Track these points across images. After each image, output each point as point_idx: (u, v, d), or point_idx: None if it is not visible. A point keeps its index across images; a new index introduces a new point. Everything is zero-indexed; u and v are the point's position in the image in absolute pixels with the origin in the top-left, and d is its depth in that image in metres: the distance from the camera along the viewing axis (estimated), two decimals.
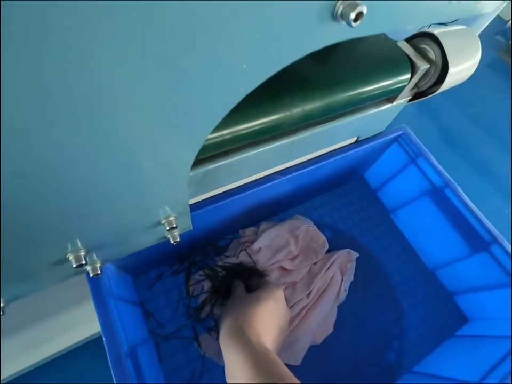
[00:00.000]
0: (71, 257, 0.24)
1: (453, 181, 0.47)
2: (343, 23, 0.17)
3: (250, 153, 0.33)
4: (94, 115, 0.14)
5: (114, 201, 0.22)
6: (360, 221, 0.59)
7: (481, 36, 1.80)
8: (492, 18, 2.17)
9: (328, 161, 0.44)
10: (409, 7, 0.19)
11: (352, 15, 0.16)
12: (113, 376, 0.27)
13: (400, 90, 0.39)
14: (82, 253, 0.25)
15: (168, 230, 0.28)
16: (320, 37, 0.18)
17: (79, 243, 0.25)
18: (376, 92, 0.36)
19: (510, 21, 2.14)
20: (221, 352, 0.42)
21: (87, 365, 0.77)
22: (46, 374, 0.73)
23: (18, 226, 0.20)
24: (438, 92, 0.42)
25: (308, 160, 0.44)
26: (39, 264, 0.24)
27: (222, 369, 0.42)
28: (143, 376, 0.31)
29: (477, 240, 0.45)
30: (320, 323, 0.46)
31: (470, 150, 1.48)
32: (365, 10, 0.16)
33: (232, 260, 0.49)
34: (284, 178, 0.42)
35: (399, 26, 0.20)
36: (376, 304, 0.51)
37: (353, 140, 0.48)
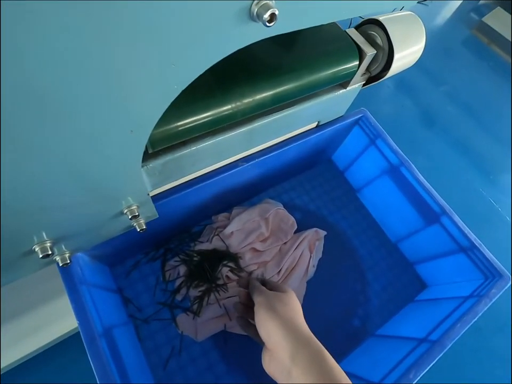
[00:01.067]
0: (37, 249, 0.26)
1: (407, 159, 0.51)
2: (260, 23, 0.18)
3: (209, 142, 0.35)
4: (44, 112, 0.16)
5: (72, 194, 0.24)
6: (329, 201, 0.62)
7: (455, 14, 1.84)
8: None
9: (291, 146, 0.47)
10: (322, 5, 0.21)
11: (266, 16, 0.18)
12: (88, 355, 0.29)
13: (351, 75, 0.41)
14: (48, 244, 0.27)
15: (131, 219, 0.30)
16: (242, 35, 0.19)
17: (44, 235, 0.26)
18: (325, 79, 0.38)
19: None
20: (197, 329, 0.45)
21: (77, 356, 0.79)
22: (36, 367, 0.75)
23: None
24: (387, 76, 0.44)
25: (271, 146, 0.46)
26: (6, 256, 0.26)
27: (199, 345, 0.46)
28: (120, 354, 0.34)
29: (429, 213, 0.49)
30: None
31: (447, 128, 1.52)
32: (277, 11, 0.18)
33: (206, 246, 0.51)
34: (248, 164, 0.44)
35: (318, 22, 0.22)
36: (343, 277, 0.55)
37: (314, 124, 0.50)
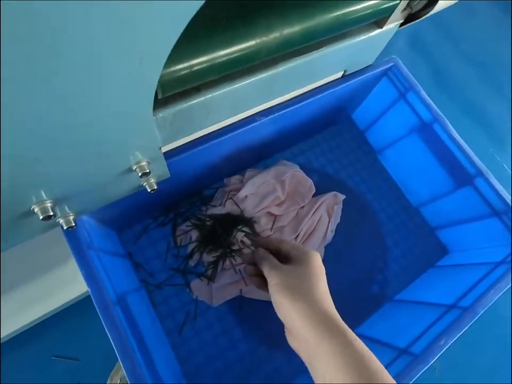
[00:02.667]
0: (36, 209, 0.23)
1: (442, 115, 0.45)
2: None
3: (225, 89, 0.30)
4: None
5: (70, 144, 0.20)
6: (348, 163, 0.58)
7: None
8: None
9: (314, 98, 0.41)
10: None
11: None
12: (103, 322, 0.27)
13: (391, 10, 0.35)
14: (49, 204, 0.23)
15: (140, 177, 0.26)
16: None
17: (43, 193, 0.23)
18: (364, 12, 0.32)
19: None
20: (213, 294, 0.44)
21: (90, 317, 0.80)
22: (50, 329, 0.76)
23: None
24: (431, 12, 0.37)
25: (292, 98, 0.41)
26: (4, 218, 0.22)
27: (214, 310, 0.44)
28: (135, 321, 0.32)
29: (462, 175, 0.45)
30: None
31: (460, 90, 1.43)
32: None
33: (218, 209, 0.48)
34: (266, 119, 0.39)
35: None
36: (363, 242, 0.53)
37: (339, 74, 0.44)
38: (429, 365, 0.31)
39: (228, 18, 0.25)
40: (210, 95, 0.30)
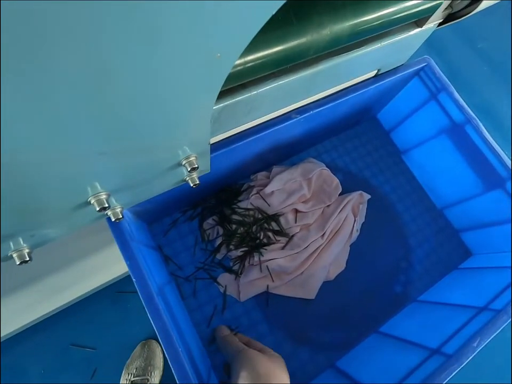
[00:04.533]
0: (93, 201, 0.23)
1: (475, 116, 0.45)
2: None
3: (270, 86, 0.30)
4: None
5: (134, 137, 0.20)
6: (372, 162, 0.58)
7: None
8: None
9: (348, 97, 0.41)
10: None
11: None
12: (148, 313, 0.28)
13: (434, 9, 0.34)
14: (104, 196, 0.24)
15: (189, 171, 0.27)
16: None
17: (98, 185, 0.23)
18: (410, 11, 0.31)
19: None
20: (240, 289, 0.44)
21: (107, 307, 0.82)
22: (69, 317, 0.78)
23: (39, 171, 0.18)
24: (474, 12, 0.37)
25: (327, 97, 0.41)
26: (63, 208, 0.23)
27: (241, 304, 0.45)
28: (173, 312, 0.33)
29: (493, 177, 0.45)
30: (333, 261, 0.48)
31: (476, 89, 1.41)
32: None
33: (245, 204, 0.48)
34: (301, 117, 0.39)
35: None
36: (386, 242, 0.53)
37: (373, 73, 0.44)
38: (462, 366, 0.32)
39: (282, 13, 0.25)
40: (255, 92, 0.30)
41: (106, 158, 0.21)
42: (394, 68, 0.45)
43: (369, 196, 0.53)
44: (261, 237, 0.47)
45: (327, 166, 0.54)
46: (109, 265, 0.64)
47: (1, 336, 0.64)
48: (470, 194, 0.50)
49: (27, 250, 0.25)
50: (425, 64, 0.46)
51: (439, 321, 0.41)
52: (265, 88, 0.30)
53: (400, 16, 0.31)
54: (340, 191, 0.52)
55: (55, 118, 0.15)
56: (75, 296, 0.68)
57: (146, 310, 0.28)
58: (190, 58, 0.16)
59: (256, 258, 0.45)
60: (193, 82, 0.18)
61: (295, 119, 0.39)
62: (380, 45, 0.36)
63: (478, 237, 0.53)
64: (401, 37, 0.37)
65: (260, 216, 0.48)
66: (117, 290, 0.80)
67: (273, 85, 0.30)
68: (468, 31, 1.54)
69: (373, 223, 0.53)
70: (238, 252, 0.46)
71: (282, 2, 0.16)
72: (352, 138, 0.59)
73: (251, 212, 0.48)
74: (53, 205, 0.22)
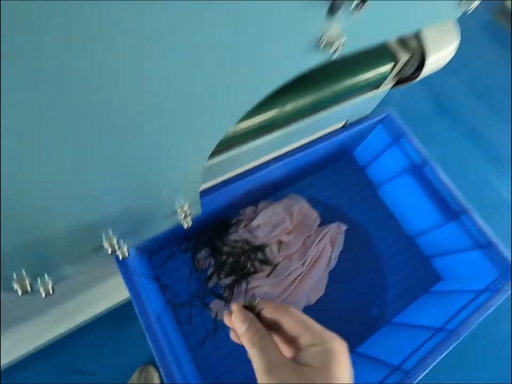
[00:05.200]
0: (106, 245, 0.29)
1: (431, 159, 0.52)
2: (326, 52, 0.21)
3: (249, 146, 0.38)
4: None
5: (139, 196, 0.27)
6: (349, 196, 0.65)
7: None
8: None
9: (319, 145, 0.49)
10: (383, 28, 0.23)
11: (332, 49, 0.20)
12: (148, 338, 0.33)
13: (384, 78, 0.42)
14: (115, 240, 0.30)
15: (183, 217, 0.33)
16: (307, 62, 0.22)
17: (110, 231, 0.30)
18: (361, 84, 0.39)
19: None
20: None
21: (107, 333, 0.85)
22: (70, 344, 0.81)
23: (67, 221, 0.24)
24: (418, 79, 0.45)
25: (301, 146, 0.48)
26: (84, 252, 0.29)
27: (231, 328, 0.50)
28: (169, 337, 0.38)
29: (449, 211, 0.51)
30: (313, 287, 0.54)
31: (461, 116, 1.49)
32: (340, 47, 0.20)
33: (234, 237, 0.54)
34: (279, 164, 0.46)
35: (378, 41, 0.24)
36: (363, 268, 0.59)
37: (342, 123, 0.52)
38: (417, 380, 0.37)
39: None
40: (238, 152, 0.37)
41: (118, 212, 0.27)
42: (360, 119, 0.53)
43: (346, 227, 0.59)
44: (248, 266, 0.53)
45: (308, 201, 0.60)
46: (110, 293, 0.69)
47: (1, 364, 0.67)
48: (434, 225, 0.56)
49: (51, 285, 0.31)
50: (386, 114, 0.54)
51: (405, 342, 0.46)
52: (245, 148, 0.37)
53: (353, 89, 0.39)
54: (319, 223, 0.58)
55: (90, 185, 0.22)
56: (76, 323, 0.72)
57: (146, 334, 0.33)
58: (187, 143, 0.23)
59: (243, 286, 0.51)
60: (188, 155, 0.25)
61: (274, 166, 0.46)
62: (343, 105, 0.44)
63: (446, 263, 0.59)
64: (360, 98, 0.45)
65: (247, 247, 0.54)
66: (115, 317, 0.84)
67: (251, 145, 0.38)
68: (450, 61, 1.67)
69: (350, 251, 0.59)
70: (228, 280, 0.52)
71: (258, 99, 0.23)
72: (332, 175, 0.66)
73: (239, 244, 0.54)
74: (75, 250, 0.28)
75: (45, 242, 0.25)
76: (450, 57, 0.44)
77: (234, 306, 0.22)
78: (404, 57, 0.40)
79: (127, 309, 0.75)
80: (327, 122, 0.46)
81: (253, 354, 0.20)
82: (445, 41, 0.42)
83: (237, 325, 0.22)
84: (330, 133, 0.51)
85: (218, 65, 0.18)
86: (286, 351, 0.22)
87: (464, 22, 1.70)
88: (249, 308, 0.22)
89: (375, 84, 0.42)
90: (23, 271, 0.27)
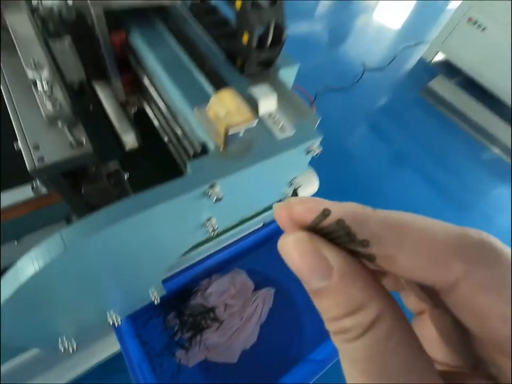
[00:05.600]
0: (110, 321, 0.55)
1: None
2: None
3: (192, 253, 0.65)
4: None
5: (128, 294, 0.53)
6: (278, 266, 0.91)
7: (406, 76, 2.24)
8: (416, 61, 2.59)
9: (247, 239, 0.76)
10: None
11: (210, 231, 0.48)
12: (133, 380, 0.57)
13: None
14: (114, 316, 0.55)
15: (154, 297, 0.59)
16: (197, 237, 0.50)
17: (112, 311, 0.55)
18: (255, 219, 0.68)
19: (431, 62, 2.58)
20: (189, 358, 0.72)
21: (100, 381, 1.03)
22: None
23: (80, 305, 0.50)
24: None
25: (235, 240, 0.76)
26: (97, 324, 0.54)
27: (191, 369, 0.73)
28: (146, 378, 0.61)
29: None
30: (249, 336, 0.78)
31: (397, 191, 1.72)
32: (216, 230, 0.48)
33: (194, 302, 0.79)
34: (219, 254, 0.73)
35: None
36: (287, 321, 0.83)
37: (261, 224, 0.80)
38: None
39: None
40: (185, 256, 0.64)
41: (117, 302, 0.53)
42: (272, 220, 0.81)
43: (274, 289, 0.85)
44: (203, 324, 0.77)
45: (249, 271, 0.87)
46: (104, 349, 0.90)
47: None
48: None
49: (75, 345, 0.55)
50: None
51: (309, 374, 0.69)
52: (190, 254, 0.65)
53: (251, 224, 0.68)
54: (254, 288, 0.84)
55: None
56: (75, 375, 0.91)
57: (132, 377, 0.57)
58: (151, 274, 0.50)
59: (198, 338, 0.75)
60: (152, 278, 0.52)
61: (215, 256, 0.73)
62: (260, 218, 0.72)
63: None
64: (267, 213, 0.74)
65: (203, 309, 0.79)
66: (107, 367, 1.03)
67: (197, 251, 0.65)
68: (384, 133, 2.04)
69: (277, 308, 0.84)
70: (189, 335, 0.75)
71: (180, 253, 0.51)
72: (266, 250, 0.93)
73: (197, 307, 0.79)
74: (93, 324, 0.53)
75: (78, 322, 0.51)
76: (315, 191, 0.75)
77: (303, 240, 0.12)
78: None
79: (116, 362, 0.95)
80: (244, 230, 0.75)
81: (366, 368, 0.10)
82: (310, 185, 0.73)
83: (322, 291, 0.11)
84: (256, 229, 0.79)
85: (163, 250, 0.45)
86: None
87: (395, 99, 2.17)
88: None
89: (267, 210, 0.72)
90: (64, 337, 0.52)
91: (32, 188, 0.52)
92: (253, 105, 0.42)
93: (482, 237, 0.11)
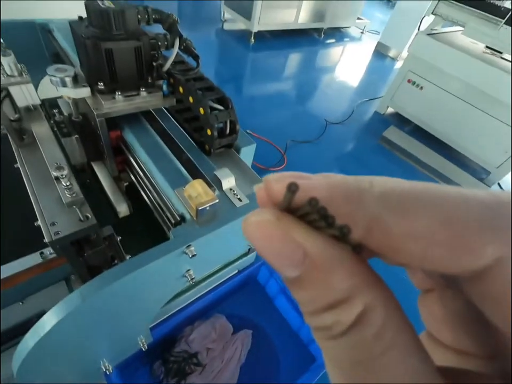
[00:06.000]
0: (103, 368, 0.63)
1: None
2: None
3: (176, 301, 0.75)
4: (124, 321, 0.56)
5: (118, 344, 0.62)
6: (255, 308, 1.01)
7: (365, 127, 2.58)
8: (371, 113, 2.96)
9: (224, 286, 0.87)
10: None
11: (190, 280, 0.60)
12: None
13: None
14: (107, 365, 0.63)
15: (142, 344, 0.68)
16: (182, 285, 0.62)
17: (105, 360, 0.63)
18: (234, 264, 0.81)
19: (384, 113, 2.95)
20: None
21: None
22: None
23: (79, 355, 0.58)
24: None
25: (214, 287, 0.87)
26: (92, 372, 0.62)
27: None
28: None
29: None
30: (229, 377, 0.84)
31: None
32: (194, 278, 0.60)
33: (178, 348, 0.87)
34: (200, 301, 0.83)
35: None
36: (265, 360, 0.91)
37: (236, 270, 0.92)
38: None
39: None
40: (167, 305, 0.74)
41: (109, 351, 0.62)
42: (248, 265, 0.94)
43: (251, 331, 0.94)
44: (187, 368, 0.84)
45: (229, 314, 0.96)
46: None
47: None
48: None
49: None
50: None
51: None
52: (175, 300, 0.75)
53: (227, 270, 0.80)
54: (233, 331, 0.92)
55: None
56: None
57: None
58: (139, 324, 0.60)
59: (183, 383, 0.81)
60: (139, 327, 0.62)
61: (200, 301, 0.83)
62: (230, 268, 0.84)
63: (317, 348, 0.93)
64: (241, 260, 0.87)
65: (186, 355, 0.86)
66: None
67: (179, 299, 0.75)
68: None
69: (255, 349, 0.92)
70: (174, 380, 0.82)
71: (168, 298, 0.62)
72: (242, 295, 1.03)
73: (181, 353, 0.86)
74: (87, 373, 0.61)
75: (75, 371, 0.59)
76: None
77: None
78: None
79: None
80: (223, 276, 0.86)
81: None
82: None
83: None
84: (232, 276, 0.90)
85: (152, 298, 0.56)
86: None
87: (358, 148, 2.48)
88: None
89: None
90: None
91: (41, 254, 0.63)
92: (218, 182, 0.58)
93: None
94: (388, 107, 2.80)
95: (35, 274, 0.65)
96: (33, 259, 0.64)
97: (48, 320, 0.41)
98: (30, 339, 0.42)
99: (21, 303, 0.66)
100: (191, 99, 0.65)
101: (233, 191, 0.58)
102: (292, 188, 0.09)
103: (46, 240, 0.52)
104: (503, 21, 1.74)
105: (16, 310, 0.65)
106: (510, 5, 1.69)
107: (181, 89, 0.67)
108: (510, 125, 1.94)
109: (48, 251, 0.63)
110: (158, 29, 0.66)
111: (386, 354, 0.08)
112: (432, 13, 2.12)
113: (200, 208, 0.48)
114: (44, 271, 0.66)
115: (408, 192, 0.09)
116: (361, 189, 0.09)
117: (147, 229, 0.74)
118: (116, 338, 0.61)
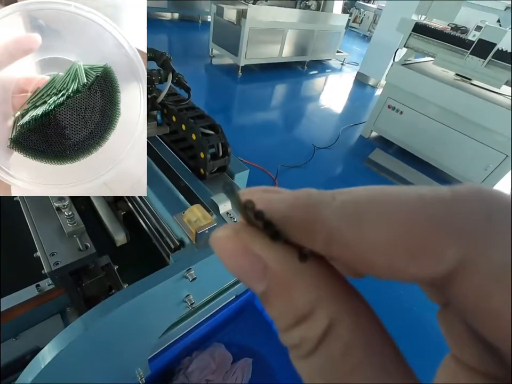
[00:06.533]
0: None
1: None
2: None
3: (174, 329, 0.74)
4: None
5: (118, 375, 0.61)
6: (254, 335, 0.99)
7: (351, 151, 2.69)
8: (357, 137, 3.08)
9: (220, 313, 0.87)
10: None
11: (189, 306, 0.60)
12: None
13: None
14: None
15: (139, 378, 0.66)
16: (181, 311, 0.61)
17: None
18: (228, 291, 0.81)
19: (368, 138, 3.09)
20: None
21: None
22: None
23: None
24: None
25: (210, 316, 0.86)
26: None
27: None
28: None
29: None
30: None
31: None
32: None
33: (176, 382, 0.84)
34: (198, 329, 0.82)
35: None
36: None
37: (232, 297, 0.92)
38: None
39: None
40: (167, 334, 0.73)
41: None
42: (244, 291, 0.93)
43: (251, 360, 0.92)
44: None
45: (227, 342, 0.94)
46: None
47: None
48: None
49: None
50: None
51: None
52: (176, 327, 0.74)
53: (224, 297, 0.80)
54: (232, 360, 0.90)
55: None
56: None
57: None
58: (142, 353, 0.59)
59: None
60: (140, 359, 0.61)
61: (197, 330, 0.82)
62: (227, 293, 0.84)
63: None
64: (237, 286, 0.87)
65: None
66: None
67: (180, 324, 0.74)
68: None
69: (255, 377, 0.90)
70: None
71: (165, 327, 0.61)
72: (240, 322, 1.02)
73: None
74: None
75: None
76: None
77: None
78: None
79: None
80: (220, 303, 0.86)
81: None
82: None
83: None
84: (229, 302, 0.90)
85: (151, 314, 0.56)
86: None
87: (346, 171, 2.59)
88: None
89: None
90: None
91: (37, 286, 0.63)
92: (215, 207, 0.60)
93: (483, 195, 0.07)
94: (371, 131, 2.93)
95: (31, 308, 0.64)
96: (29, 292, 0.63)
97: (49, 351, 0.41)
98: (28, 374, 0.42)
99: (14, 339, 0.64)
100: (183, 126, 0.69)
101: (230, 214, 0.60)
102: (248, 205, 0.09)
103: (45, 270, 0.52)
104: (469, 51, 1.91)
105: (10, 347, 0.63)
106: (473, 37, 1.87)
107: (174, 118, 0.71)
108: (487, 144, 2.06)
109: (46, 282, 0.62)
110: (152, 65, 0.72)
111: (356, 373, 0.08)
112: (404, 46, 2.31)
113: (199, 232, 0.50)
114: (40, 305, 0.65)
115: (363, 200, 0.09)
116: (321, 202, 0.09)
117: (144, 256, 0.74)
118: (114, 370, 0.59)
